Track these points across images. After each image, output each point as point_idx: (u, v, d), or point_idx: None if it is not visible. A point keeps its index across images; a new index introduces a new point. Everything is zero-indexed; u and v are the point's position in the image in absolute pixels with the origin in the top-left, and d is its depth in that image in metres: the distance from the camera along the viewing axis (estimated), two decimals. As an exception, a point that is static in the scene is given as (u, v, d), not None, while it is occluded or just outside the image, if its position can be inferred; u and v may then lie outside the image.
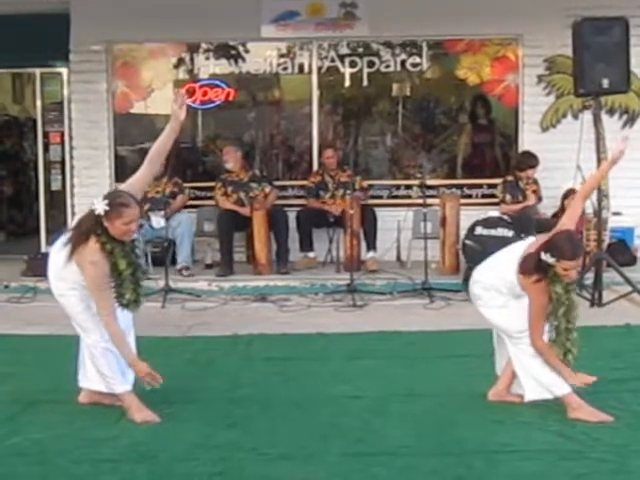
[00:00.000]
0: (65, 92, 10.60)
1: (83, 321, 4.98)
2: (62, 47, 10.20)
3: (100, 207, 4.71)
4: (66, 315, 5.05)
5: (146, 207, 9.54)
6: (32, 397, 5.28)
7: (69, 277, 4.88)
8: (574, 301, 4.89)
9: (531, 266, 4.75)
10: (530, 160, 9.70)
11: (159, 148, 5.11)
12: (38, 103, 10.82)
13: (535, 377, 4.95)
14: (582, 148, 8.82)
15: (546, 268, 4.72)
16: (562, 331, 4.82)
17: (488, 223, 8.85)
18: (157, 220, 9.19)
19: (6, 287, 9.00)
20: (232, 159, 9.89)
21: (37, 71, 10.80)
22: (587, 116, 9.24)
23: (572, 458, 4.34)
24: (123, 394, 5.04)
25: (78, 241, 4.78)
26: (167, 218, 9.16)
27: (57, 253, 4.95)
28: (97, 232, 4.74)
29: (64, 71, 10.58)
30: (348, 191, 9.42)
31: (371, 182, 10.36)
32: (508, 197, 9.70)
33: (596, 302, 7.99)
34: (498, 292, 4.98)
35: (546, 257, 4.68)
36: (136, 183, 5.03)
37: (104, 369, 5.00)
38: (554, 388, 4.92)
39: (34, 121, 10.97)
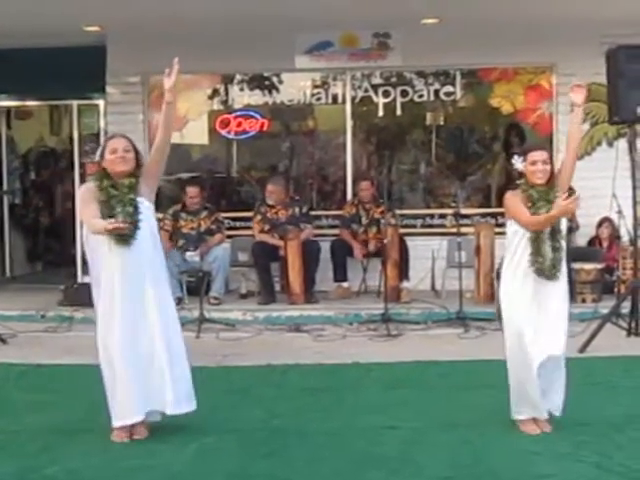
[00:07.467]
0: (102, 123, 10.74)
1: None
2: (99, 79, 10.33)
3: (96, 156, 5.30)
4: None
5: (180, 243, 9.60)
6: (68, 426, 5.30)
7: None
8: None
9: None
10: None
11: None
12: (75, 134, 10.96)
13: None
14: (617, 176, 8.77)
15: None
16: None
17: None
18: (191, 256, 9.20)
19: (43, 317, 9.06)
20: (276, 197, 9.83)
21: (74, 103, 10.97)
22: (622, 144, 9.20)
23: (610, 490, 4.30)
24: None
25: None
26: (202, 256, 9.18)
27: None
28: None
29: (101, 103, 10.73)
30: (382, 221, 9.42)
31: (405, 211, 10.36)
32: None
33: (633, 331, 7.90)
34: None
35: (515, 162, 5.23)
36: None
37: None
38: None
39: (71, 152, 11.10)
